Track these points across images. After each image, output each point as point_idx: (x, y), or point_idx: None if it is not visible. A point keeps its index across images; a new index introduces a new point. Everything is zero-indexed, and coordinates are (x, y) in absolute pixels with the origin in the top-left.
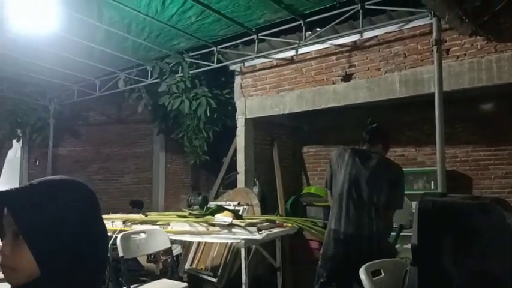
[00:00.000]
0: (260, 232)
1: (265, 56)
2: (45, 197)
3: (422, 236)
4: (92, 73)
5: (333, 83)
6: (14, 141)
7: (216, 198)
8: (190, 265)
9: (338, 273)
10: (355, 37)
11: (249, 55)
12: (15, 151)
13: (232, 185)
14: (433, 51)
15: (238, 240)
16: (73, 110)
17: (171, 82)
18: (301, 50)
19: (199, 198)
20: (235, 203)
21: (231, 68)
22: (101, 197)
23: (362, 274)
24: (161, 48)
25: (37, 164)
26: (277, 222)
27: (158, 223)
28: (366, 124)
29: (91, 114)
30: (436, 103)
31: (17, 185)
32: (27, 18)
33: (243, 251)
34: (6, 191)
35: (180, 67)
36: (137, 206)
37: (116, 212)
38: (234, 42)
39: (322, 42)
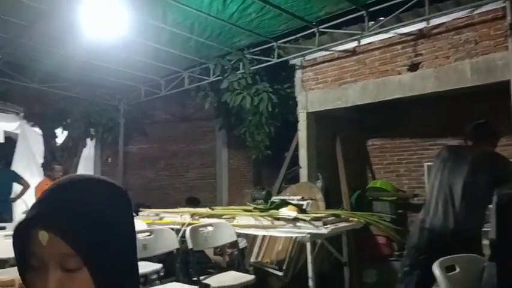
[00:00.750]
0: (326, 226)
1: (326, 49)
2: (91, 213)
3: (501, 230)
4: (158, 73)
5: (399, 74)
6: (88, 140)
7: (278, 192)
8: (256, 258)
9: (421, 263)
10: (421, 25)
11: (310, 48)
12: (89, 149)
13: (295, 179)
14: (507, 36)
15: (304, 234)
16: (141, 110)
17: (233, 79)
18: (363, 41)
19: (263, 192)
20: (299, 197)
21: (292, 62)
22: (168, 192)
23: (436, 269)
24: (222, 46)
25: (109, 161)
26: (343, 216)
27: (224, 217)
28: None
29: (157, 113)
30: None
31: None
32: (99, 24)
33: (308, 245)
34: (45, 213)
35: (241, 64)
36: (193, 203)
37: (183, 207)
38: (294, 37)
39: (386, 31)
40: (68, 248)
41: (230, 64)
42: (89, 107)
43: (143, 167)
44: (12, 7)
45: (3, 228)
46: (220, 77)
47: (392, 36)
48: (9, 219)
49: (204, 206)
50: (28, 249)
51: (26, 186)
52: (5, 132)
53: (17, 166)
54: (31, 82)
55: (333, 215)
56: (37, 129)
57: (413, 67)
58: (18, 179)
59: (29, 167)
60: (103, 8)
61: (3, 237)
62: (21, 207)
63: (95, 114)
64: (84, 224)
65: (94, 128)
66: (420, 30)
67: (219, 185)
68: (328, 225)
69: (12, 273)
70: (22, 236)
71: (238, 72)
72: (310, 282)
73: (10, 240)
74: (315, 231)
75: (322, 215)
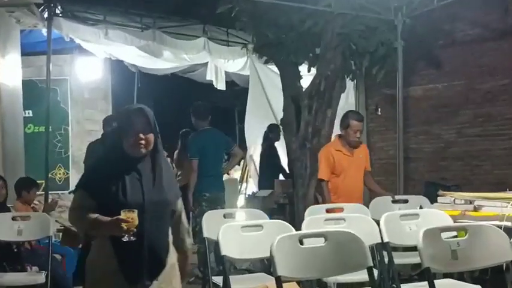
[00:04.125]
0: None
1: None
2: None
3: None
4: None
5: None
6: (347, 80)
7: None
8: None
9: None
10: None
11: None
12: (347, 94)
13: None
14: None
15: None
16: (430, 24)
17: None
18: None
19: None
20: None
21: None
22: (480, 163)
23: None
24: None
25: (379, 113)
26: None
27: None
28: None
29: (458, 26)
30: None
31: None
32: None
33: None
34: None
35: None
36: None
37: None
38: None
39: None
40: None
41: None
42: (349, 26)
43: (434, 122)
44: None
45: None
46: None
47: None
48: (223, 201)
49: None
50: None
51: (237, 155)
52: (227, 74)
53: (249, 122)
54: None
55: None
56: (272, 67)
57: None
58: (231, 146)
59: (264, 123)
60: None
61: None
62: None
63: (358, 37)
64: None
65: (356, 59)
66: None
67: None
68: None
69: None
70: None
71: None
72: None
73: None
74: None
75: None
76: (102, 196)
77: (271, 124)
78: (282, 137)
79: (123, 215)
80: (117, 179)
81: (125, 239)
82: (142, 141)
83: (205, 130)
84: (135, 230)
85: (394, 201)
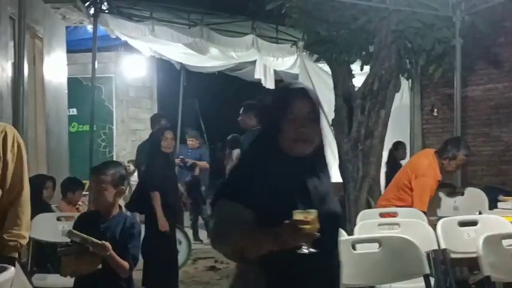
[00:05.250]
0: None
1: None
2: None
3: None
4: None
5: None
6: (403, 79)
7: None
8: None
9: None
10: None
11: None
12: (401, 94)
13: None
14: None
15: None
16: (489, 20)
17: None
18: None
19: None
20: None
21: None
22: None
23: None
24: None
25: (435, 113)
26: None
27: None
28: None
29: None
30: None
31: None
32: None
33: None
34: None
35: None
36: None
37: None
38: None
39: None
40: None
41: None
42: (404, 23)
43: (494, 123)
44: None
45: None
46: None
47: None
48: None
49: None
50: None
51: None
52: (276, 73)
53: None
54: None
55: None
56: (323, 66)
57: None
58: None
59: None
60: None
61: None
62: None
63: (414, 34)
64: None
65: (411, 58)
66: None
67: None
68: None
69: None
70: None
71: None
72: None
73: None
74: None
75: None
76: (261, 205)
77: (396, 142)
78: (333, 138)
79: (299, 215)
80: (275, 186)
81: (304, 250)
82: (308, 136)
83: (258, 130)
84: (317, 235)
85: (450, 194)
